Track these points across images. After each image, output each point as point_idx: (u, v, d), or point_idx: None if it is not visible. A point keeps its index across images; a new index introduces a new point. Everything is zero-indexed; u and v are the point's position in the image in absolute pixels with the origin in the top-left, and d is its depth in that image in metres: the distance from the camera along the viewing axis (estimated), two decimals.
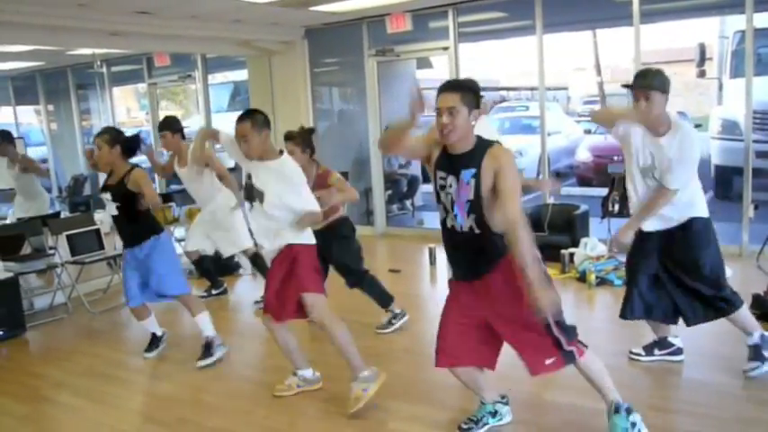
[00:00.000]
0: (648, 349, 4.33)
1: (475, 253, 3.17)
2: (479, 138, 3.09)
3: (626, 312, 4.15)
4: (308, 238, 4.05)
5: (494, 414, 3.59)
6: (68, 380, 4.79)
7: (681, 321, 4.14)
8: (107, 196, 4.72)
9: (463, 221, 3.11)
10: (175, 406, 4.30)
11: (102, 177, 5.05)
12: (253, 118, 3.84)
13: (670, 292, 4.02)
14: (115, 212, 4.72)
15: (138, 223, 4.74)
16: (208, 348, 4.86)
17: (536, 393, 3.95)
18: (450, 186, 3.10)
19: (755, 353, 4.00)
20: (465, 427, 3.55)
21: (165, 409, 4.28)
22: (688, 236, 3.91)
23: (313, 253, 4.06)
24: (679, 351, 4.30)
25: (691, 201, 3.91)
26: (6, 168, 7.39)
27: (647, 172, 3.89)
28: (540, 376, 3.26)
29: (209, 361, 4.82)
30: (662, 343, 4.30)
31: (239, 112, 3.91)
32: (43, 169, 8.32)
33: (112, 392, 4.51)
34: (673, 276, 4.00)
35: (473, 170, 3.03)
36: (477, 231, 3.08)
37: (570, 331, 3.16)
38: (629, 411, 3.23)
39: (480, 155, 3.02)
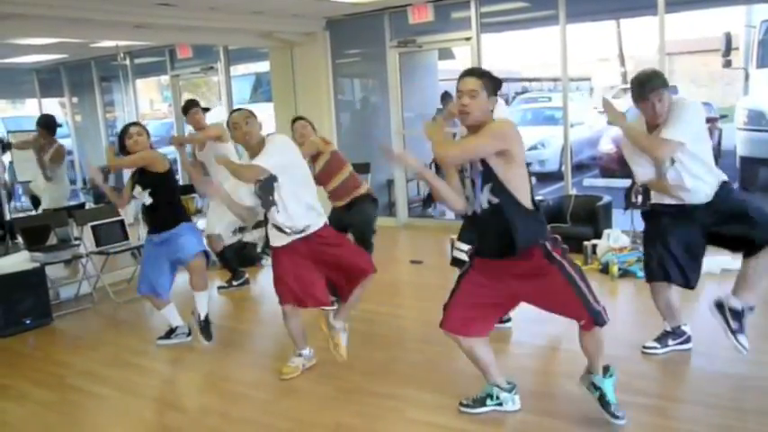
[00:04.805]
0: (662, 340, 4.27)
1: (500, 234, 3.21)
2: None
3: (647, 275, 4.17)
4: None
5: (492, 397, 3.62)
6: (94, 368, 4.85)
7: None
8: (138, 191, 4.84)
9: (480, 196, 3.19)
10: (200, 395, 4.35)
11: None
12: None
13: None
14: (150, 201, 4.82)
15: (173, 206, 4.93)
16: (204, 326, 4.93)
17: (554, 383, 3.94)
18: (467, 169, 3.23)
19: None
20: (465, 402, 3.67)
21: (190, 399, 4.33)
22: (722, 196, 3.82)
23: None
24: (689, 339, 4.27)
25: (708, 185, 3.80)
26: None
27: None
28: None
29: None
30: (676, 332, 4.26)
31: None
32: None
33: (137, 381, 4.57)
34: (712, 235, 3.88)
35: None
36: (495, 201, 3.15)
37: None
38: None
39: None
